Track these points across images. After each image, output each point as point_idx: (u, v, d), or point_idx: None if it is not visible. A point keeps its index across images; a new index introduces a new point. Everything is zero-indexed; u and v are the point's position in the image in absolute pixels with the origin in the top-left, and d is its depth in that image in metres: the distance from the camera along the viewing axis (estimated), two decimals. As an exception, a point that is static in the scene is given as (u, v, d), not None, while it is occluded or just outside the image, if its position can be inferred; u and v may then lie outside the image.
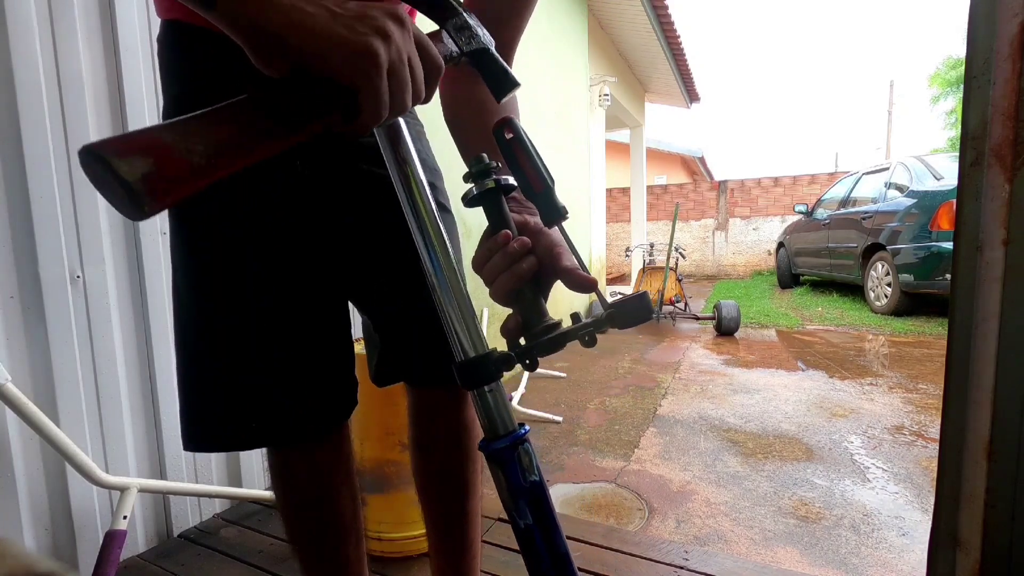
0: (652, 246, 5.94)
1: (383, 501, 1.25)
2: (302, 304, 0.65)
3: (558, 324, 0.46)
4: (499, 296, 0.47)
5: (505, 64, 0.48)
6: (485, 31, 0.48)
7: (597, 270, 5.43)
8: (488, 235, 0.48)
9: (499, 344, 0.49)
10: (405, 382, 0.78)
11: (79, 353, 1.19)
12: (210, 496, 1.45)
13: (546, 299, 0.49)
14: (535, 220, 0.49)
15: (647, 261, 5.72)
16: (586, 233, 5.05)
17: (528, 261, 0.46)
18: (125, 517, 1.15)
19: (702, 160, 16.88)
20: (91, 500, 1.22)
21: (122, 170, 0.26)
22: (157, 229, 1.35)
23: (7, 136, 1.08)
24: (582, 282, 0.46)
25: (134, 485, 1.20)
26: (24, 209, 1.10)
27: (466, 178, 0.47)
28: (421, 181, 0.46)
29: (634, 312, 0.44)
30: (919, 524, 1.57)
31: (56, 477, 1.17)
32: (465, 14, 0.48)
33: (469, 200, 0.48)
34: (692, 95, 7.72)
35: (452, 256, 0.47)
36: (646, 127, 8.05)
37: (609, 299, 0.46)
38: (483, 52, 0.47)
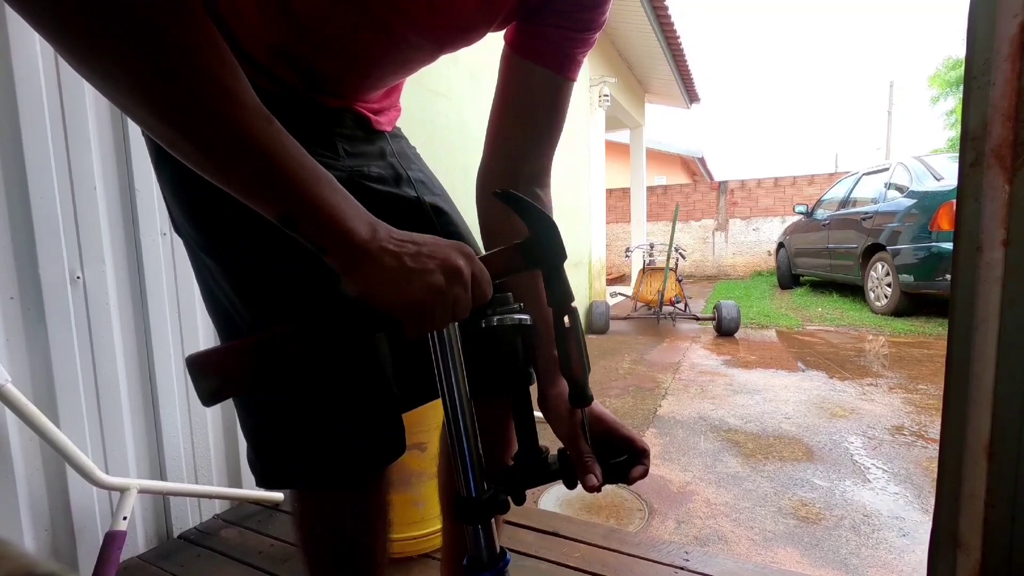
0: (652, 246, 5.94)
1: (383, 501, 1.25)
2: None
3: (547, 459, 0.54)
4: None
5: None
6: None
7: (597, 271, 5.43)
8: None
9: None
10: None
11: (79, 353, 1.19)
12: (210, 497, 1.45)
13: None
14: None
15: (647, 262, 5.72)
16: (586, 233, 5.05)
17: None
18: (125, 518, 1.15)
19: (702, 160, 16.88)
20: (91, 500, 1.22)
21: (200, 386, 0.40)
22: (157, 230, 1.35)
23: (7, 136, 1.08)
24: (584, 470, 0.53)
25: (134, 486, 1.20)
26: (24, 209, 1.10)
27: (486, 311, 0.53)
28: (455, 343, 0.51)
29: (618, 472, 0.54)
30: (919, 525, 1.57)
31: (56, 477, 1.17)
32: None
33: (485, 329, 0.53)
34: (692, 95, 7.72)
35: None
36: (646, 127, 8.05)
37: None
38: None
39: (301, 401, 0.60)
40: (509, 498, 0.53)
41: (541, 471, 0.54)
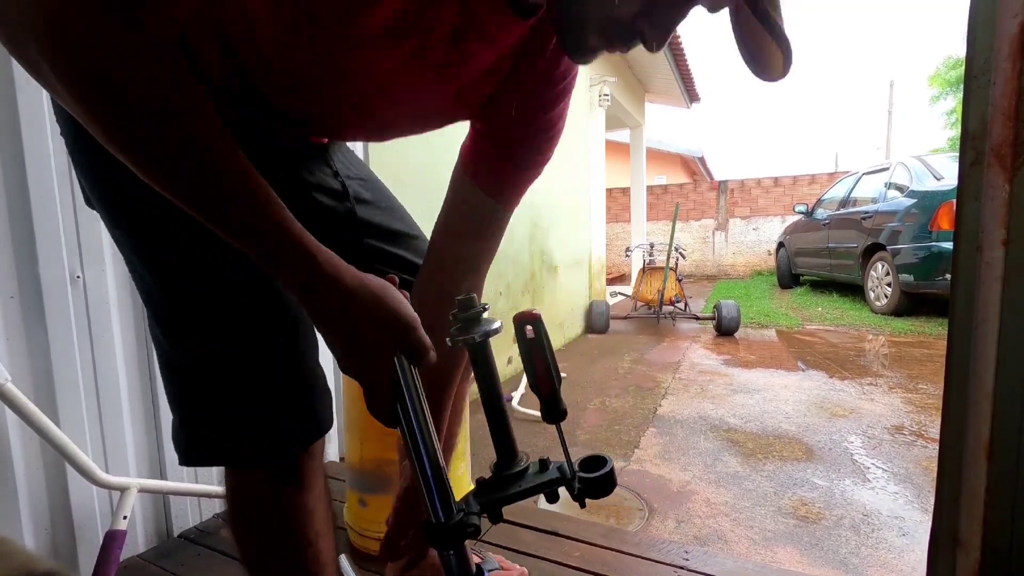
0: (652, 246, 5.94)
1: (383, 501, 1.25)
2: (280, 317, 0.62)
3: (525, 471, 0.52)
4: None
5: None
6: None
7: (597, 270, 5.43)
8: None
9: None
10: None
11: (79, 353, 1.19)
12: (210, 496, 1.45)
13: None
14: None
15: (647, 261, 5.71)
16: (586, 233, 5.05)
17: None
18: (125, 517, 1.15)
19: (702, 160, 16.87)
20: (91, 500, 1.22)
21: None
22: (157, 229, 1.35)
23: (7, 136, 1.08)
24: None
25: (134, 485, 1.20)
26: (24, 209, 1.10)
27: (453, 317, 0.52)
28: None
29: (600, 487, 0.50)
30: (919, 524, 1.57)
31: (56, 477, 1.17)
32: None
33: (456, 339, 0.51)
34: (692, 95, 7.71)
35: (429, 426, 0.50)
36: (646, 127, 8.04)
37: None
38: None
39: (230, 376, 0.59)
40: (482, 519, 0.50)
41: (520, 487, 0.51)
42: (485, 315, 0.51)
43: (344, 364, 0.48)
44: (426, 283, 0.70)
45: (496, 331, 0.51)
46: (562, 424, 0.52)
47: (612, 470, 0.50)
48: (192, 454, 0.62)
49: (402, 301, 0.48)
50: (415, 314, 0.49)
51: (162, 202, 0.42)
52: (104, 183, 0.56)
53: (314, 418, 0.64)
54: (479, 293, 0.72)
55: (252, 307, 0.59)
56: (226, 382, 0.60)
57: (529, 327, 0.48)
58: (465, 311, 0.50)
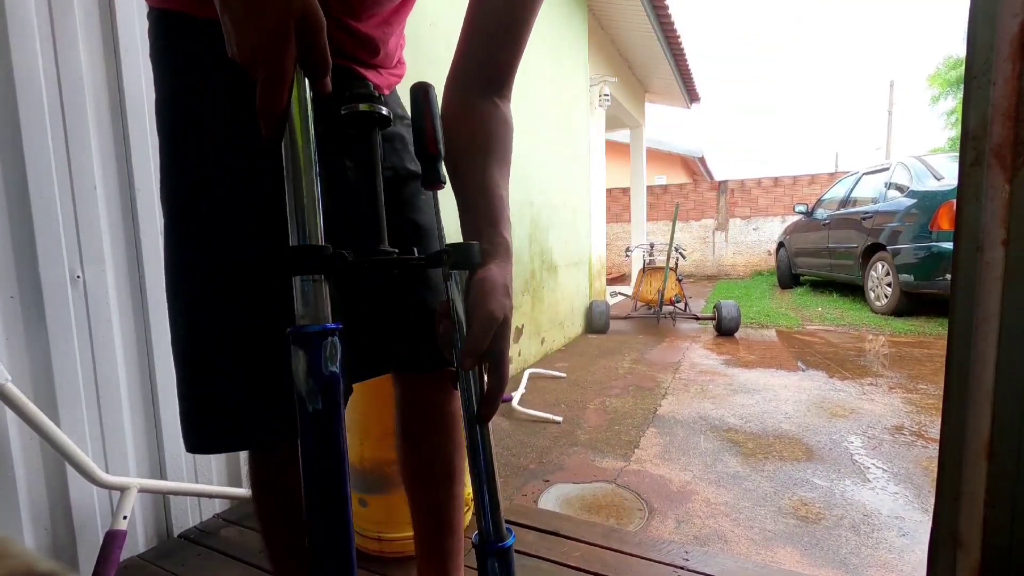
0: (652, 246, 5.94)
1: (383, 501, 1.25)
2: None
3: (393, 252, 0.53)
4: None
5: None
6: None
7: (597, 270, 5.43)
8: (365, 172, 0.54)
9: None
10: (392, 371, 0.78)
11: (79, 353, 1.19)
12: (210, 496, 1.45)
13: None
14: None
15: (647, 261, 5.72)
16: (586, 233, 5.05)
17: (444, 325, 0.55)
18: (125, 517, 1.15)
19: (702, 160, 16.88)
20: (91, 500, 1.22)
21: None
22: (157, 230, 1.35)
23: (7, 136, 1.08)
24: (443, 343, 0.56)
25: (134, 485, 1.20)
26: (24, 209, 1.10)
27: (345, 101, 0.52)
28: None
29: (463, 258, 0.52)
30: (919, 524, 1.57)
31: (56, 477, 1.17)
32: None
33: (343, 117, 0.52)
34: (692, 95, 7.71)
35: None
36: (646, 127, 8.04)
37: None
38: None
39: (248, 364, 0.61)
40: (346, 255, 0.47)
41: (395, 256, 0.51)
42: (382, 109, 0.52)
43: (237, 42, 0.45)
44: (451, 79, 0.66)
45: (382, 115, 0.52)
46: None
47: (476, 245, 0.53)
48: (201, 442, 0.64)
49: None
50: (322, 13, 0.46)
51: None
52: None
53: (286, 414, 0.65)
54: (508, 89, 0.67)
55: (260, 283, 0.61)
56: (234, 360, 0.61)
57: (422, 95, 0.51)
58: (352, 90, 0.52)
